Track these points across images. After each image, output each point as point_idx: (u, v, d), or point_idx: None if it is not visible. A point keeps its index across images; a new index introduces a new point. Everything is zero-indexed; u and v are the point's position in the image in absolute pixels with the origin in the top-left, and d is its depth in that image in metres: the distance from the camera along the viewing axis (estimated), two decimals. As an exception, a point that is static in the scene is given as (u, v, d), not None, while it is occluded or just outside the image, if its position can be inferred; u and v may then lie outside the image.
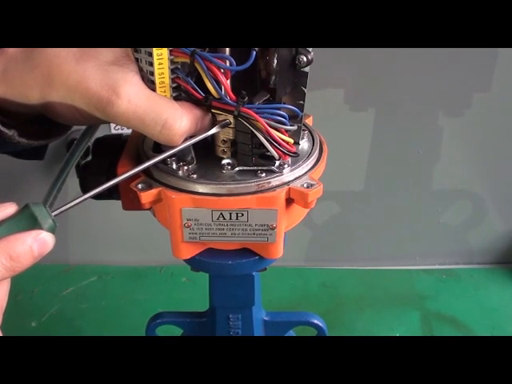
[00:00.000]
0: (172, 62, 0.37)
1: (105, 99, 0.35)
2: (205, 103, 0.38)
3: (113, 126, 0.82)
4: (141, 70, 0.37)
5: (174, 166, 0.41)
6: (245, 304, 0.51)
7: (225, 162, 0.41)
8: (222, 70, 0.37)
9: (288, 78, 0.40)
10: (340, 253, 1.01)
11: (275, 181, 0.40)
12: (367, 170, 0.92)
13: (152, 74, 0.37)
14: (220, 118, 0.39)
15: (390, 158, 0.91)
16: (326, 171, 0.44)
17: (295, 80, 0.40)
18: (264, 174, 0.40)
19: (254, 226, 0.41)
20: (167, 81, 0.38)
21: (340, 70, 0.83)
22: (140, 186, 0.40)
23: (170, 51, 0.37)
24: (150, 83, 0.38)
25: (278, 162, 0.41)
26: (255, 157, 0.41)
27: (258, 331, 0.53)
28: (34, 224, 0.34)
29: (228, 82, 0.37)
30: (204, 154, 0.42)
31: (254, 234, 0.42)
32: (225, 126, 0.39)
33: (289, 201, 0.41)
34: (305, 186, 0.40)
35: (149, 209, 0.44)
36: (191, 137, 0.39)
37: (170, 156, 0.40)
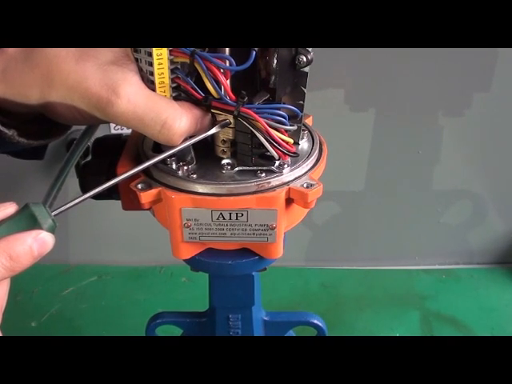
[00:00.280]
0: (172, 62, 0.37)
1: (104, 99, 0.35)
2: (204, 103, 0.38)
3: (113, 125, 0.82)
4: (140, 70, 0.37)
5: (174, 166, 0.41)
6: (245, 304, 0.51)
7: (224, 162, 0.41)
8: (222, 70, 0.37)
9: (288, 78, 0.40)
10: (340, 253, 1.01)
11: (275, 181, 0.40)
12: (367, 170, 0.92)
13: (152, 73, 0.37)
14: (220, 118, 0.39)
15: (389, 157, 0.91)
16: (325, 171, 0.44)
17: (295, 80, 0.40)
18: (264, 174, 0.40)
19: (254, 226, 0.41)
20: (167, 81, 0.38)
21: (340, 69, 0.83)
22: (140, 186, 0.40)
23: (170, 51, 0.37)
24: (150, 83, 0.38)
25: (277, 162, 0.41)
26: (255, 157, 0.41)
27: (258, 331, 0.53)
28: (33, 224, 0.34)
29: (228, 82, 0.37)
30: (204, 154, 0.42)
31: (253, 234, 0.42)
32: (224, 125, 0.39)
33: (289, 201, 0.41)
34: (305, 186, 0.40)
35: (149, 209, 0.43)
36: (191, 137, 0.39)
37: (170, 156, 0.40)
